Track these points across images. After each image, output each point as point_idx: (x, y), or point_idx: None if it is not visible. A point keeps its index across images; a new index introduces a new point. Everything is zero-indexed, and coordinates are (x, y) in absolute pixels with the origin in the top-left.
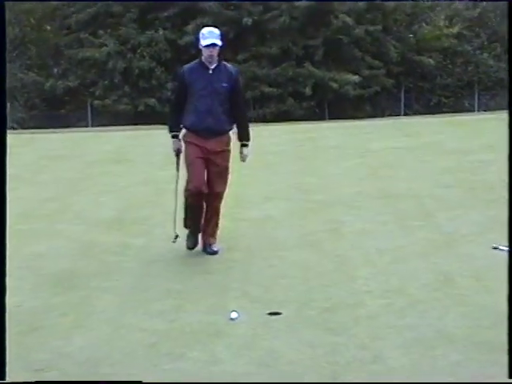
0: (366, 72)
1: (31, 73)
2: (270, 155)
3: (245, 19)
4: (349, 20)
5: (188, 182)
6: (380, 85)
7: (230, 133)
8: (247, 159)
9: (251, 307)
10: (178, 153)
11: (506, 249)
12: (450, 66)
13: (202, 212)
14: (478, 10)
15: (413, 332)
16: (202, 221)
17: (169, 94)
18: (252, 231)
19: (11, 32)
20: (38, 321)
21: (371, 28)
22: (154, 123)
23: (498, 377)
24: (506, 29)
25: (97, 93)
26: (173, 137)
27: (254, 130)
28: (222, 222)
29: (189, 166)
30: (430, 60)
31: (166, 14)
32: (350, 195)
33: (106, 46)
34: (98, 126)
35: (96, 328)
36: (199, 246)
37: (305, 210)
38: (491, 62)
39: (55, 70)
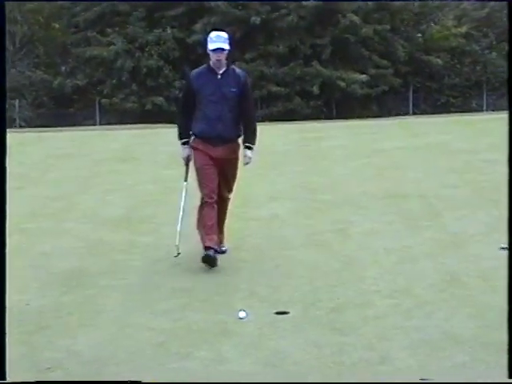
0: (374, 71)
1: (39, 71)
2: (276, 154)
3: (253, 18)
4: (356, 19)
5: (200, 188)
6: (388, 84)
7: (239, 140)
8: (250, 162)
9: (258, 307)
10: (187, 161)
11: None
12: (458, 66)
13: (215, 218)
14: (487, 10)
15: (420, 333)
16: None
17: (177, 92)
18: (259, 231)
19: (19, 30)
20: (45, 319)
21: (379, 27)
22: (162, 122)
23: (499, 377)
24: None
25: (104, 91)
26: (183, 144)
27: (261, 128)
28: (229, 221)
29: (199, 172)
30: (438, 60)
31: (173, 12)
32: (357, 195)
33: (113, 44)
34: (106, 124)
35: (103, 327)
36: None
37: (312, 210)
38: (499, 62)
39: (63, 69)
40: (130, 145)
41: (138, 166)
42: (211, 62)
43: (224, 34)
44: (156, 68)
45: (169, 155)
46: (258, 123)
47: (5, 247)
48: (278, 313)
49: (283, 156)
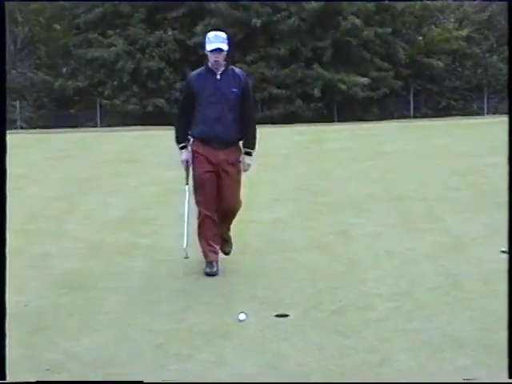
0: (375, 74)
1: (40, 72)
2: (278, 157)
3: (253, 20)
4: (357, 22)
5: (197, 196)
6: (389, 87)
7: (241, 143)
8: (249, 169)
9: (259, 309)
10: (187, 165)
11: None
12: (459, 69)
13: (215, 229)
14: (488, 13)
15: (421, 335)
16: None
17: (177, 94)
18: (261, 233)
19: (21, 31)
20: (45, 321)
21: (380, 30)
22: (163, 124)
23: (499, 377)
24: None
25: (105, 93)
26: (181, 148)
27: (262, 131)
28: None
29: (197, 181)
30: (439, 62)
31: (174, 14)
32: (358, 197)
33: (114, 46)
34: (107, 125)
35: (103, 328)
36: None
37: (313, 213)
38: (500, 65)
39: (64, 70)
40: (132, 146)
41: (139, 168)
42: (209, 63)
43: (222, 34)
44: (157, 70)
45: (170, 157)
46: (258, 126)
47: (5, 248)
48: (279, 315)
49: (285, 158)
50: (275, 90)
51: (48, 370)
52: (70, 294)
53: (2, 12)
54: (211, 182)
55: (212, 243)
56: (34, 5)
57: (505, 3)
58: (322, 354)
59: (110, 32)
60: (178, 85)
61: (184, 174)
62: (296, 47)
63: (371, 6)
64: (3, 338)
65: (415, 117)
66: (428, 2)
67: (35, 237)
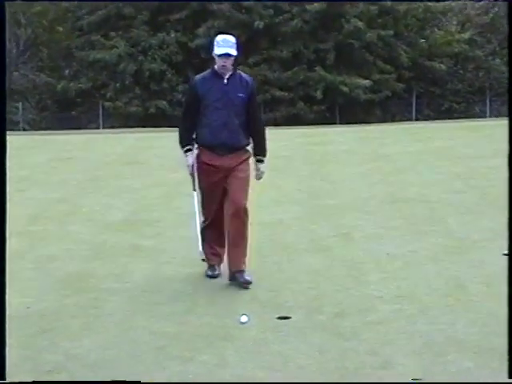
0: (377, 76)
1: (43, 74)
2: (280, 159)
3: (256, 22)
4: (360, 24)
5: (202, 207)
6: (391, 89)
7: (249, 148)
8: (263, 176)
9: (261, 311)
10: (192, 169)
11: None
12: (461, 72)
13: (221, 230)
14: (490, 16)
15: (423, 338)
16: (226, 245)
17: (180, 96)
18: (262, 235)
19: (23, 33)
20: (47, 322)
21: (382, 32)
22: (165, 125)
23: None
24: None
25: (108, 95)
26: (185, 151)
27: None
28: None
29: (202, 193)
30: (442, 65)
31: (177, 16)
32: (360, 200)
33: (116, 47)
34: (109, 127)
35: (105, 330)
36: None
37: (315, 215)
38: (503, 68)
39: (67, 72)
40: (134, 148)
41: (142, 170)
42: (216, 67)
43: (232, 39)
44: (159, 72)
45: (173, 159)
46: None
47: (5, 249)
48: (280, 317)
49: (287, 160)
50: (277, 93)
51: (49, 371)
52: (73, 295)
53: (2, 12)
54: (217, 192)
55: (214, 246)
56: (37, 7)
57: (505, 3)
58: (324, 357)
59: (112, 34)
60: (180, 87)
61: (190, 178)
62: (298, 49)
63: (374, 8)
64: (3, 339)
65: (417, 119)
66: (430, 4)
67: (38, 238)
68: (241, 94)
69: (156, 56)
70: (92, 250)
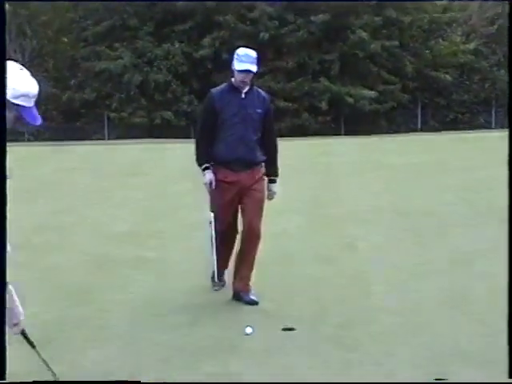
0: (382, 87)
1: (48, 85)
2: (285, 169)
3: (261, 34)
4: (365, 35)
5: (216, 222)
6: (396, 100)
7: (262, 165)
8: (275, 197)
9: (265, 323)
10: (211, 187)
11: None
12: (466, 82)
13: (231, 246)
14: (495, 27)
15: (427, 350)
16: (235, 261)
17: (185, 107)
18: (266, 245)
19: (29, 44)
20: (51, 333)
21: (387, 43)
22: (170, 136)
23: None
24: None
25: (113, 105)
26: (204, 169)
27: None
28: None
29: (216, 212)
30: (447, 76)
31: (182, 27)
32: (365, 210)
33: (121, 58)
34: (114, 138)
35: (109, 342)
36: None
37: (320, 225)
38: (508, 79)
39: (72, 83)
40: (139, 159)
41: (146, 181)
42: (234, 80)
43: (253, 54)
44: (164, 82)
45: (178, 170)
46: None
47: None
48: (285, 329)
49: (292, 171)
50: (282, 103)
51: (52, 382)
52: (77, 306)
53: (2, 12)
54: (231, 210)
55: (224, 258)
56: (43, 17)
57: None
58: (328, 368)
59: (117, 45)
60: (185, 98)
61: (207, 197)
62: (303, 60)
63: (378, 19)
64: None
65: (422, 130)
66: (435, 15)
67: (42, 249)
68: (259, 110)
69: (161, 67)
70: (96, 261)
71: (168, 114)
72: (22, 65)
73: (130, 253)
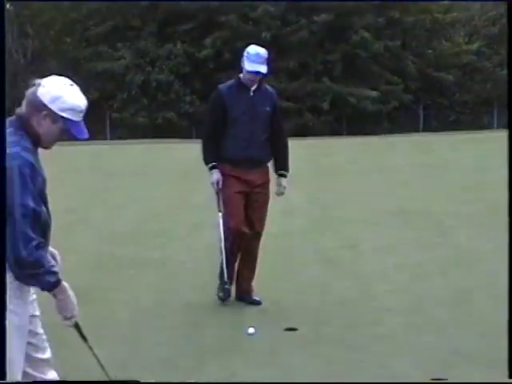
0: (384, 87)
1: None
2: None
3: (263, 33)
4: (367, 35)
5: (227, 219)
6: (398, 100)
7: (270, 164)
8: (285, 192)
9: (268, 323)
10: (218, 187)
11: None
12: (469, 83)
13: (237, 256)
14: (498, 27)
15: (431, 350)
16: (236, 266)
17: (187, 107)
18: (269, 247)
19: (31, 44)
20: (53, 334)
21: (390, 43)
22: (173, 136)
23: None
24: None
25: (115, 105)
26: (211, 168)
27: None
28: None
29: (227, 201)
30: (449, 76)
31: (184, 27)
32: (367, 211)
33: (124, 58)
34: (117, 138)
35: (111, 342)
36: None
37: (322, 226)
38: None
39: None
40: (141, 159)
41: (148, 181)
42: (242, 77)
43: (264, 53)
44: (166, 83)
45: (180, 170)
46: None
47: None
48: (288, 329)
49: (294, 171)
50: (284, 104)
51: None
52: (79, 307)
53: (2, 11)
54: (241, 201)
55: (233, 262)
56: (45, 18)
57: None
58: (332, 369)
59: (119, 45)
60: (187, 98)
61: (215, 197)
62: (305, 60)
63: (381, 19)
64: (3, 339)
65: (424, 130)
66: (438, 16)
67: None
68: (267, 108)
69: (163, 67)
70: (99, 260)
71: (170, 114)
72: (27, 66)
73: (133, 252)
